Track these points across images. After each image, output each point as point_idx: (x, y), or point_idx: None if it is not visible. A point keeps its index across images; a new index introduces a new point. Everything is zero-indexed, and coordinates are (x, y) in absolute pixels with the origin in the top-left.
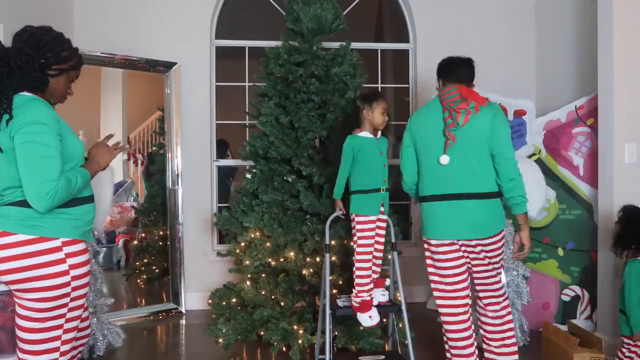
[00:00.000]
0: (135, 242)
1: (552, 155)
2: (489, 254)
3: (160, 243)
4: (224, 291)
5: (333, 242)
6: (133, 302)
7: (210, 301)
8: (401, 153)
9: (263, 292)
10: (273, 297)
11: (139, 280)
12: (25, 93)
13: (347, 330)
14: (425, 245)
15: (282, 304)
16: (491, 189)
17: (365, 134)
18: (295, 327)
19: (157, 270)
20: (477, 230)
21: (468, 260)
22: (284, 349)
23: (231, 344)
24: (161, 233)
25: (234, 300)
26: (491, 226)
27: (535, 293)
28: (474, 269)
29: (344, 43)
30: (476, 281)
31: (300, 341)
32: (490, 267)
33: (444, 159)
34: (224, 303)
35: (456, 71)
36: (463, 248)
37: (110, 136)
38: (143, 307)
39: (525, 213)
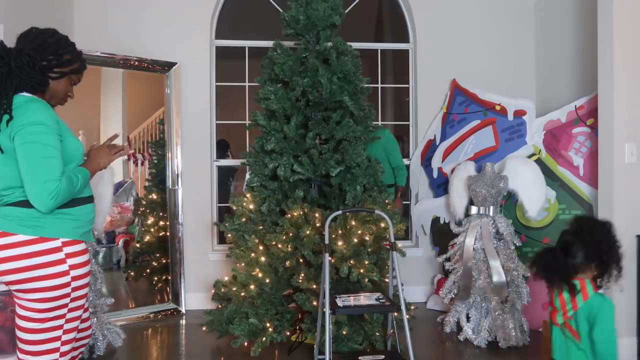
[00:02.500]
0: (138, 245)
1: (552, 155)
2: None
3: (160, 243)
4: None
5: (341, 243)
6: (133, 302)
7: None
8: None
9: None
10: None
11: (138, 280)
12: (24, 94)
13: (352, 330)
14: None
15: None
16: None
17: None
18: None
19: (157, 270)
20: None
21: None
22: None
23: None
24: (161, 233)
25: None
26: None
27: (535, 293)
28: None
29: (340, 39)
30: None
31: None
32: None
33: None
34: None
35: None
36: None
37: (114, 136)
38: (143, 307)
39: None
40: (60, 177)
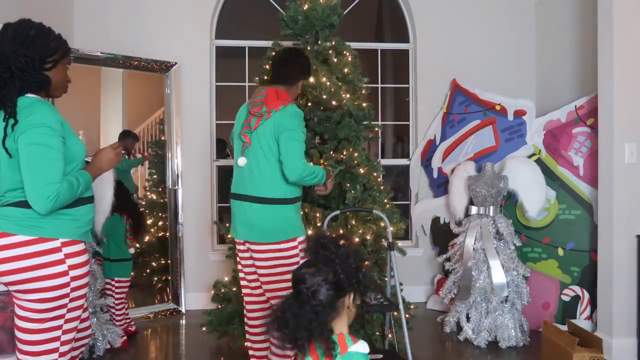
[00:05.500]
0: (137, 245)
1: (552, 155)
2: (257, 262)
3: (160, 243)
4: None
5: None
6: (133, 302)
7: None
8: None
9: None
10: None
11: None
12: (28, 95)
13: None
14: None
15: None
16: (272, 194)
17: None
18: None
19: (157, 270)
20: (250, 233)
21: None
22: None
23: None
24: (161, 233)
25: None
26: (266, 234)
27: (535, 293)
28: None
29: (338, 39)
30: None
31: None
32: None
33: (241, 161)
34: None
35: (275, 71)
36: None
37: (117, 147)
38: (143, 307)
39: (323, 182)
40: (61, 180)
